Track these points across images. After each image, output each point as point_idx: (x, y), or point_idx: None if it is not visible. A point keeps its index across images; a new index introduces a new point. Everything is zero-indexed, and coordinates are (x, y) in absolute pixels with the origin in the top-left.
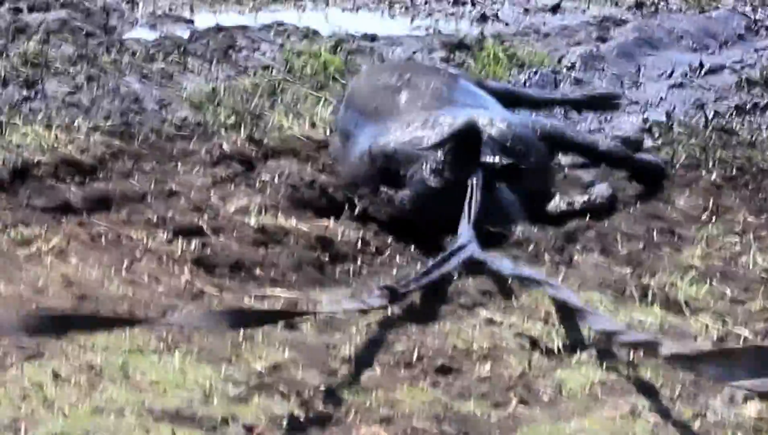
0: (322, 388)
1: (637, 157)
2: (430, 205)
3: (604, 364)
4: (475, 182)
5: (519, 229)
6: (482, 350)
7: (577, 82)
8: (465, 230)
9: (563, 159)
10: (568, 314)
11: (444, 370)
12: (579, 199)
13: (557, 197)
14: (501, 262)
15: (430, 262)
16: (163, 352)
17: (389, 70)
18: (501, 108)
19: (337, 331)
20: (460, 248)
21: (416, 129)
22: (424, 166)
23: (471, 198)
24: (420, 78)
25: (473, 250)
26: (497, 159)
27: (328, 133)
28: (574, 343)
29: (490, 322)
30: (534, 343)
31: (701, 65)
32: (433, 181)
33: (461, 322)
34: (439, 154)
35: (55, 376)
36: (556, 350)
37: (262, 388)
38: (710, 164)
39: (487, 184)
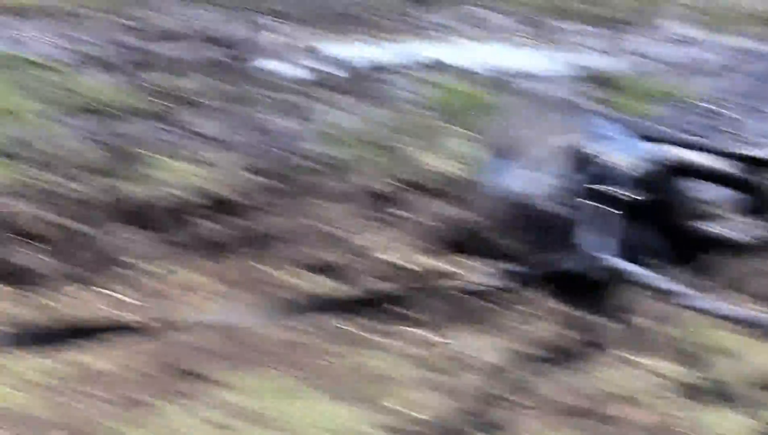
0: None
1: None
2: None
3: (758, 410)
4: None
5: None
6: (619, 392)
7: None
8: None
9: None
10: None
11: (578, 413)
12: (714, 232)
13: (692, 229)
14: (644, 272)
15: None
16: (298, 391)
17: (530, 115)
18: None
19: (473, 369)
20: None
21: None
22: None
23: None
24: (567, 118)
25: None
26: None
27: (469, 171)
28: (721, 384)
29: (625, 361)
30: (676, 384)
31: None
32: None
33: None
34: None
35: (197, 417)
36: (700, 392)
37: (399, 431)
38: None
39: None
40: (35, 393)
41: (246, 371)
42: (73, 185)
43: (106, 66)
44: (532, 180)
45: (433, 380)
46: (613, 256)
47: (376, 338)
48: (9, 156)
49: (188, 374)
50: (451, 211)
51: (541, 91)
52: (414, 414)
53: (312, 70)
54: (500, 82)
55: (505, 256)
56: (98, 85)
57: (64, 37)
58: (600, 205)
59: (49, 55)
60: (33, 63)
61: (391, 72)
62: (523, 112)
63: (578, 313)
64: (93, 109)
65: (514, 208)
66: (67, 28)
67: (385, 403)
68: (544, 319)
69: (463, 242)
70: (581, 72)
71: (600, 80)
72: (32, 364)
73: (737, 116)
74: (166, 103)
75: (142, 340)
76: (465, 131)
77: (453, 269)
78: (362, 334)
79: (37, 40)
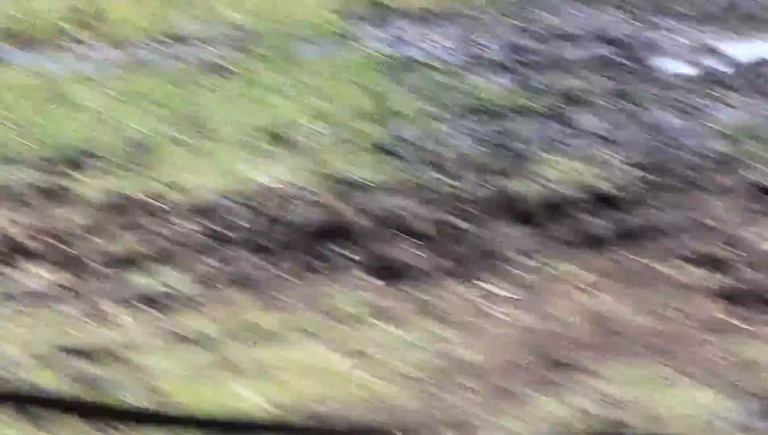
0: None
1: None
2: None
3: None
4: None
5: None
6: None
7: None
8: None
9: None
10: None
11: None
12: None
13: None
14: None
15: None
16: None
17: None
18: None
19: None
20: None
21: None
22: None
23: None
24: None
25: None
26: None
27: None
28: None
29: None
30: None
31: None
32: None
33: None
34: None
35: (570, 405)
36: None
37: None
38: None
39: None
40: (407, 385)
41: (617, 360)
42: (458, 183)
43: (498, 67)
44: None
45: None
46: None
47: (755, 328)
48: (396, 155)
49: (560, 364)
50: None
51: None
52: None
53: (705, 68)
54: None
55: None
56: (488, 85)
57: (461, 39)
58: None
59: (442, 57)
60: (426, 65)
61: None
62: None
63: None
64: (482, 110)
65: None
66: (465, 31)
67: (756, 391)
68: None
69: None
70: None
71: None
72: (404, 355)
73: None
74: (555, 103)
75: (515, 331)
76: None
77: None
78: (739, 323)
79: (434, 43)
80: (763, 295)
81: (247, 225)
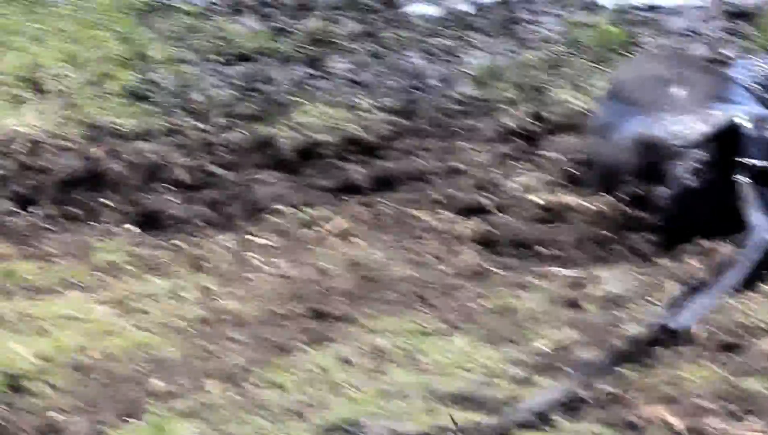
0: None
1: None
2: (688, 204)
3: None
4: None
5: None
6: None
7: None
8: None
9: None
10: None
11: (727, 347)
12: None
13: None
14: None
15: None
16: (446, 333)
17: (657, 61)
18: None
19: (619, 307)
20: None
21: (680, 123)
22: (682, 164)
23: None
24: (690, 73)
25: None
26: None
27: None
28: None
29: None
30: None
31: None
32: (691, 181)
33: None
34: (700, 152)
35: (342, 360)
36: None
37: (545, 369)
38: None
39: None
40: (171, 335)
41: (377, 309)
42: (211, 129)
43: (246, 9)
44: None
45: (579, 319)
46: None
47: (525, 279)
48: (154, 102)
49: (329, 316)
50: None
51: (680, 25)
52: (561, 353)
53: (449, 8)
54: (639, 18)
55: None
56: (237, 28)
57: None
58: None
59: (190, 0)
60: (174, 8)
61: (535, 11)
62: (648, 66)
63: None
64: (232, 53)
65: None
66: None
67: (534, 344)
68: None
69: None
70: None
71: (739, 14)
72: (173, 308)
73: None
74: (304, 46)
75: (283, 283)
76: (603, 67)
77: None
78: (502, 272)
79: None
80: (517, 239)
81: (6, 174)
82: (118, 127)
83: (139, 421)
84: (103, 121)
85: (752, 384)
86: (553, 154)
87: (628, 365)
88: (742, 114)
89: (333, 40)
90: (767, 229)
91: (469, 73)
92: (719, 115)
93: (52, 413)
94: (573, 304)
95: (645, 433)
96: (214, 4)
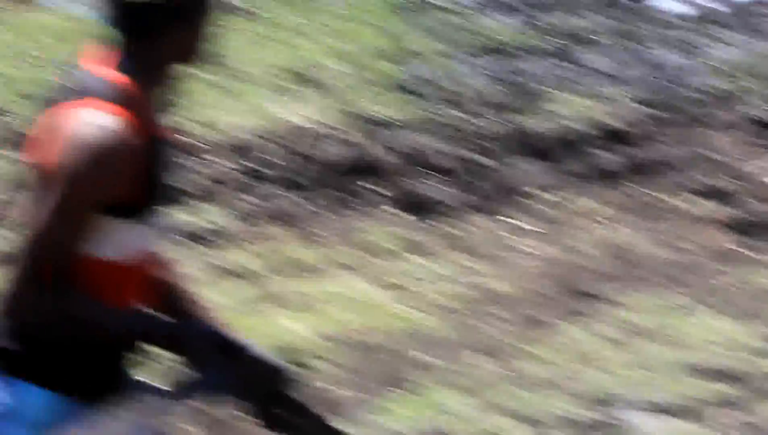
0: None
1: None
2: None
3: None
4: None
5: None
6: None
7: None
8: None
9: None
10: None
11: None
12: None
13: None
14: None
15: None
16: (695, 310)
17: None
18: None
19: None
20: None
21: None
22: None
23: None
24: None
25: None
26: None
27: None
28: None
29: None
30: None
31: None
32: None
33: None
34: None
35: (596, 335)
36: None
37: None
38: None
39: None
40: (443, 315)
41: (637, 290)
42: (477, 121)
43: (507, 8)
44: None
45: None
46: None
47: (763, 257)
48: (416, 94)
49: (584, 295)
50: None
51: None
52: None
53: (702, 7)
54: None
55: None
56: (499, 26)
57: None
58: None
59: None
60: (439, 7)
61: None
62: None
63: None
64: (495, 49)
65: None
66: None
67: None
68: None
69: None
70: None
71: None
72: (437, 287)
73: None
74: (563, 42)
75: (540, 264)
76: None
77: None
78: (749, 253)
79: None
80: (762, 222)
81: (282, 163)
82: (390, 120)
83: (407, 392)
84: (375, 115)
85: None
86: None
87: None
88: None
89: (589, 36)
90: None
91: (715, 67)
92: None
93: (323, 385)
94: None
95: None
96: (479, 3)
